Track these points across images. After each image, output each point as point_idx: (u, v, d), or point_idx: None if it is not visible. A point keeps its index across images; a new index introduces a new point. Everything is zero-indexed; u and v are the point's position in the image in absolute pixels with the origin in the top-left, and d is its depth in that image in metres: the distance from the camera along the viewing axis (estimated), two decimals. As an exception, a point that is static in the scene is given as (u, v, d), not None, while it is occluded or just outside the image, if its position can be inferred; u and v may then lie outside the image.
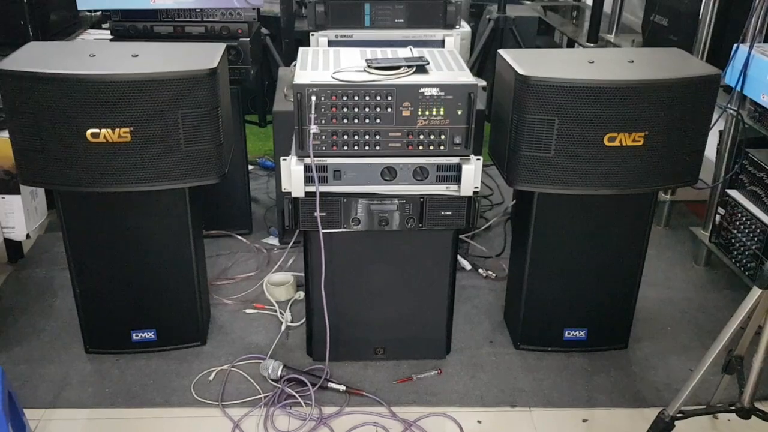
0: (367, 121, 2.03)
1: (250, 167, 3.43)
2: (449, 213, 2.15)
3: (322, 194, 2.08)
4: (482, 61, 4.18)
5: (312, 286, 2.31)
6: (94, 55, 2.12)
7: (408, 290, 2.35)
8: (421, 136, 2.06)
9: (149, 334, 2.46)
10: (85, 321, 2.42)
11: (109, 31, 2.93)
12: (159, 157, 2.06)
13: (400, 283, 2.34)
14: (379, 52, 2.27)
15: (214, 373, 2.41)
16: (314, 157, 2.04)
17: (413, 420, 2.24)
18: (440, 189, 2.13)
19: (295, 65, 2.20)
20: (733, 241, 2.82)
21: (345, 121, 2.03)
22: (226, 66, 2.26)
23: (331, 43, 2.86)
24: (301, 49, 2.31)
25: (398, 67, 2.07)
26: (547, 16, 4.86)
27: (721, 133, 2.92)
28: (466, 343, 2.58)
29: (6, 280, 2.90)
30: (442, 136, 2.06)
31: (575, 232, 2.34)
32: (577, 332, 2.51)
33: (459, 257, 2.88)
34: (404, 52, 2.25)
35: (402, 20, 2.89)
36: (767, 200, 2.66)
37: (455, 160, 2.09)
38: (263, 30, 3.65)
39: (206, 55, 2.13)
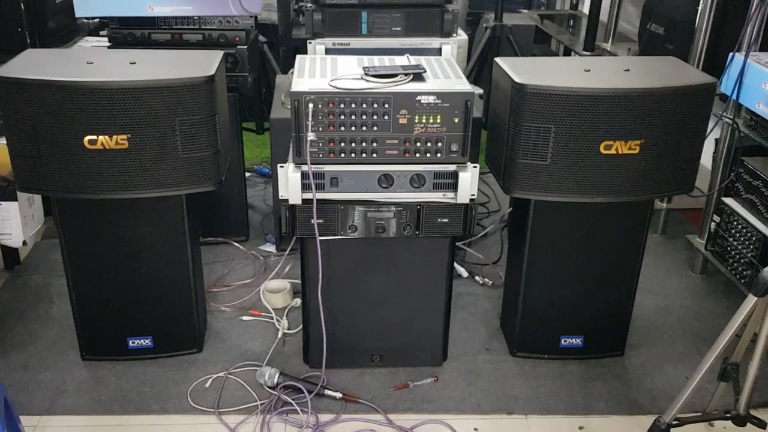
0: (364, 128, 2.03)
1: (247, 174, 3.44)
2: (446, 220, 2.15)
3: (319, 201, 2.09)
4: (479, 69, 4.20)
5: (309, 293, 2.31)
6: (92, 62, 2.12)
7: (405, 297, 2.35)
8: (418, 144, 2.06)
9: (146, 341, 2.45)
10: (82, 328, 2.42)
11: (106, 39, 2.94)
12: (156, 164, 2.06)
13: (396, 291, 2.34)
14: (376, 60, 2.27)
15: (210, 380, 2.40)
16: (311, 164, 2.04)
17: (409, 427, 2.23)
18: (437, 196, 2.13)
19: (292, 73, 2.20)
20: (728, 248, 2.82)
21: (342, 128, 2.03)
22: (223, 73, 2.26)
23: (328, 51, 2.87)
24: (298, 57, 2.32)
25: (395, 75, 2.08)
26: (543, 25, 4.88)
27: (716, 141, 2.94)
28: (463, 350, 2.58)
29: (2, 287, 2.90)
30: (439, 144, 2.06)
31: (572, 239, 2.35)
32: (574, 340, 2.51)
33: (455, 264, 2.89)
34: (401, 60, 2.25)
35: (399, 28, 2.90)
36: (762, 208, 2.67)
37: (452, 167, 2.10)
38: (260, 38, 3.66)
39: (204, 63, 2.13)
